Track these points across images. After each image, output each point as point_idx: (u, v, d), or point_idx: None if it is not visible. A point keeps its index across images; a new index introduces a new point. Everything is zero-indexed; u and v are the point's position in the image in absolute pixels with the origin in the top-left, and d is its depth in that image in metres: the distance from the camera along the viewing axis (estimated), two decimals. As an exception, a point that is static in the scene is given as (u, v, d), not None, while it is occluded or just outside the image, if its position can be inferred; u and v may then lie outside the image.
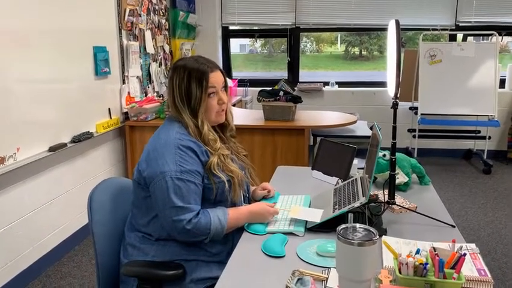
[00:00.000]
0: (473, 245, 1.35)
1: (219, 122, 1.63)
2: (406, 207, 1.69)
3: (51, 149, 2.76)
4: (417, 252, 1.16)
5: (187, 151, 1.47)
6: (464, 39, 5.46)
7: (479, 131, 5.28)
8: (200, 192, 1.49)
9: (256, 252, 1.39)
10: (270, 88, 3.80)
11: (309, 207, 1.72)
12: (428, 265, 1.10)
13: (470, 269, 1.22)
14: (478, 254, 1.30)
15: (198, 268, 1.50)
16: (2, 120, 2.38)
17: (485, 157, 5.08)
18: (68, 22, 2.95)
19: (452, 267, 1.12)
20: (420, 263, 1.10)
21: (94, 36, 3.28)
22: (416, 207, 1.71)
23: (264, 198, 1.82)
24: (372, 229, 1.08)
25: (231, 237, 1.57)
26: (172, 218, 1.42)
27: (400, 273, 1.12)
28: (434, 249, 1.15)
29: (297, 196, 1.83)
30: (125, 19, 3.73)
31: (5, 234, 2.48)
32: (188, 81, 1.53)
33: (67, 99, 2.96)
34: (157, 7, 4.43)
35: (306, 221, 1.57)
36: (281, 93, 3.60)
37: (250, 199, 1.80)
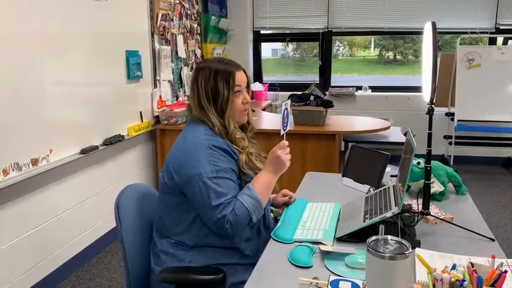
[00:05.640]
0: (514, 261, 1.26)
1: (241, 123, 1.62)
2: (441, 218, 1.61)
3: (83, 151, 2.80)
4: (454, 267, 1.09)
5: (219, 150, 1.47)
6: (505, 42, 5.25)
7: (520, 139, 5.06)
8: (237, 188, 1.48)
9: (282, 261, 1.35)
10: (301, 92, 3.75)
11: (339, 215, 1.67)
12: (466, 282, 1.03)
13: (511, 287, 1.14)
14: (520, 271, 1.22)
15: (237, 272, 1.49)
16: (36, 123, 2.43)
17: (526, 166, 4.86)
18: (101, 26, 3.00)
19: (492, 285, 1.04)
20: (457, 280, 1.03)
21: (126, 41, 3.32)
22: (452, 218, 1.63)
23: (286, 204, 1.80)
24: (404, 242, 1.03)
25: (263, 238, 1.57)
26: (215, 217, 1.40)
27: (434, 289, 1.05)
28: (472, 265, 1.08)
29: (327, 204, 1.78)
30: (158, 23, 3.78)
31: (38, 234, 2.53)
32: (215, 81, 1.53)
33: (99, 102, 3.01)
34: (189, 12, 4.47)
35: (335, 230, 1.52)
36: (311, 97, 3.55)
37: (270, 205, 1.79)
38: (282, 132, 1.56)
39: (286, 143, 1.54)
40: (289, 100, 1.71)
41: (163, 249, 1.55)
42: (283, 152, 1.51)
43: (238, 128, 1.58)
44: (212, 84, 1.53)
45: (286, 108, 1.58)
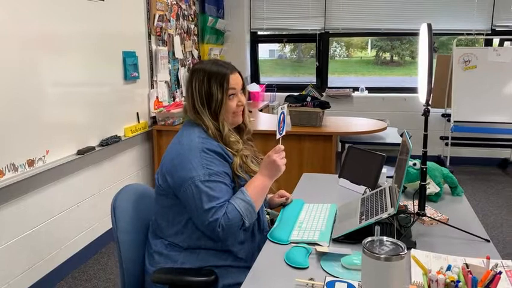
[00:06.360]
0: (509, 262, 1.27)
1: (236, 124, 1.62)
2: (437, 219, 1.62)
3: (80, 152, 2.80)
4: (449, 268, 1.09)
5: (213, 154, 1.46)
6: (501, 44, 5.27)
7: (515, 140, 5.08)
8: (231, 191, 1.48)
9: (278, 262, 1.36)
10: (298, 93, 3.76)
11: (335, 216, 1.67)
12: (460, 283, 1.04)
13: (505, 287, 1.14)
14: (515, 272, 1.23)
15: (229, 274, 1.49)
16: (32, 123, 2.42)
17: (522, 167, 4.88)
18: (98, 27, 2.99)
19: (486, 286, 1.05)
20: (452, 281, 1.04)
21: (123, 41, 3.32)
22: (448, 219, 1.64)
23: (282, 205, 1.80)
24: (400, 243, 1.03)
25: (257, 241, 1.57)
26: (207, 221, 1.40)
27: (430, 290, 1.06)
28: (467, 265, 1.09)
29: (323, 205, 1.78)
30: (155, 24, 3.77)
31: (33, 236, 2.53)
32: (209, 84, 1.52)
33: (96, 103, 3.00)
34: (186, 12, 4.47)
35: (331, 232, 1.52)
36: (308, 98, 3.55)
37: (267, 206, 1.78)
38: (278, 136, 1.56)
39: (282, 147, 1.53)
40: (286, 104, 1.69)
41: (157, 250, 1.55)
42: (278, 156, 1.51)
43: (232, 131, 1.58)
44: (206, 87, 1.52)
45: (283, 112, 1.58)
